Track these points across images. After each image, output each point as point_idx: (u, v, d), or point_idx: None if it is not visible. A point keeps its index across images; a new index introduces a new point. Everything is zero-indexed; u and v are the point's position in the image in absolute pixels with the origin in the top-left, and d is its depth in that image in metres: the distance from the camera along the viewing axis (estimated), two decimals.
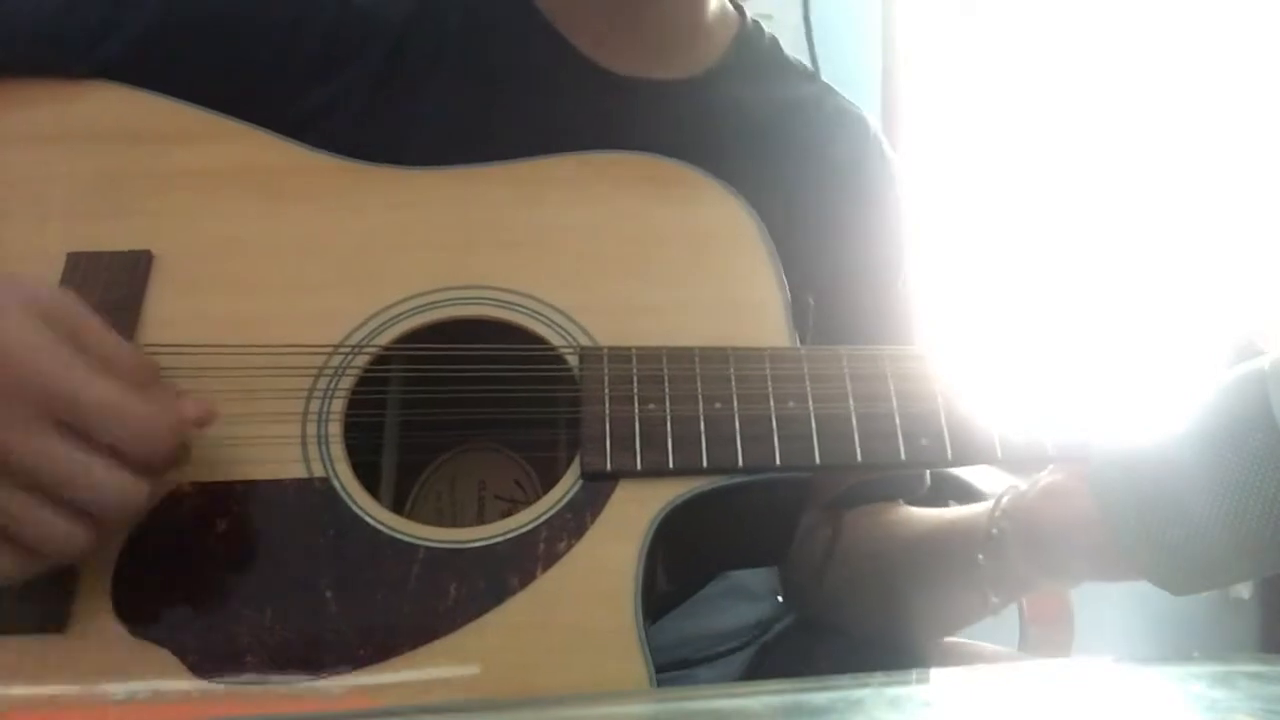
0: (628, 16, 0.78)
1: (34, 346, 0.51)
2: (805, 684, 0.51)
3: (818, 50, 0.89)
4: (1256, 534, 0.53)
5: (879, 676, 0.47)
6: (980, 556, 0.65)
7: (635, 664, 0.55)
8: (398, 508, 0.68)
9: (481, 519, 0.72)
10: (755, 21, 0.86)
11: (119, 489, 0.51)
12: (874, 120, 0.89)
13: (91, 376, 0.51)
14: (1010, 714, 0.44)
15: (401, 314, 0.64)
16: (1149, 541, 0.56)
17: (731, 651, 0.81)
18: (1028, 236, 1.46)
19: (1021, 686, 0.49)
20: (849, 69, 0.87)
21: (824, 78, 0.88)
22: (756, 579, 0.83)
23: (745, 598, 0.82)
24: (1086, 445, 0.60)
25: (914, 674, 0.60)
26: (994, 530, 0.64)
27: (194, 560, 0.57)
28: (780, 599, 0.87)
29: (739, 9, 0.85)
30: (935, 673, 0.65)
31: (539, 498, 0.72)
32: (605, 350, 0.62)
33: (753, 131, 0.81)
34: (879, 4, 1.70)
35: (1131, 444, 0.57)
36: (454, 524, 0.72)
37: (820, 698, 0.45)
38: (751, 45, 0.84)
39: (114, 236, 0.66)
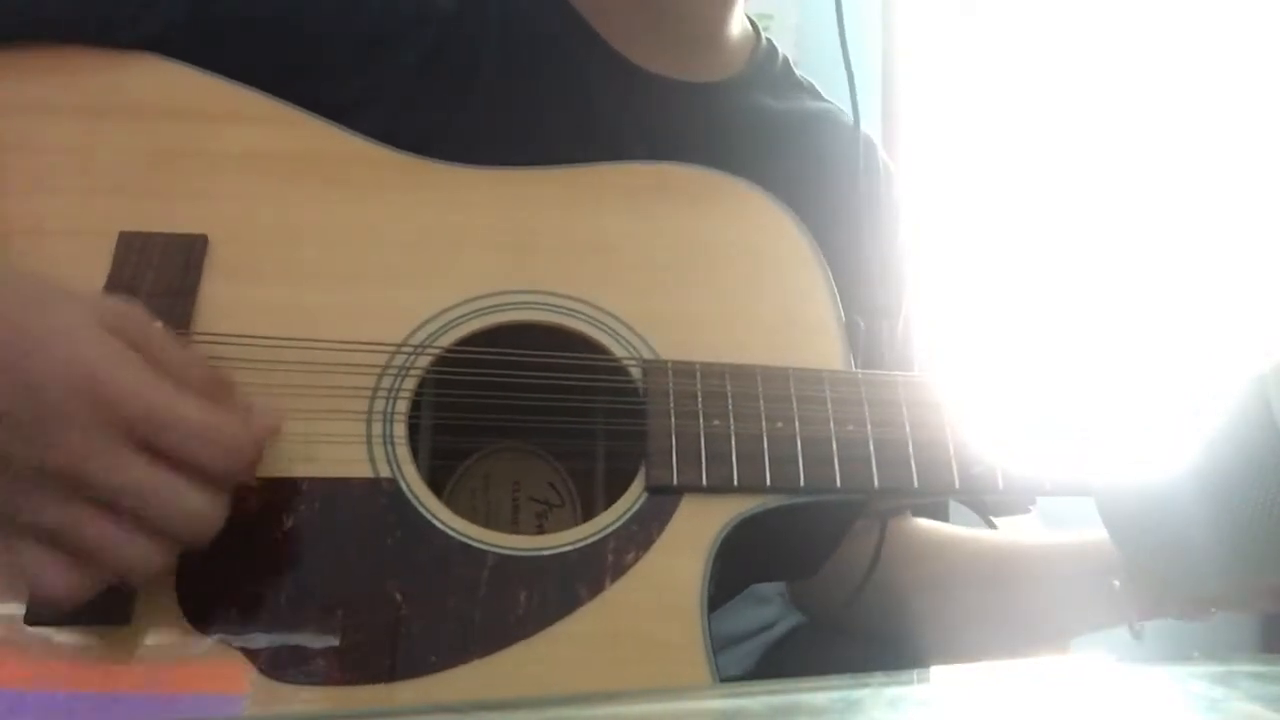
0: (656, 14, 0.79)
1: (114, 364, 0.49)
2: (805, 684, 0.52)
3: (816, 51, 0.90)
4: (1257, 535, 0.55)
5: (878, 676, 0.47)
6: (1116, 582, 0.67)
7: (703, 677, 0.56)
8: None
9: (516, 520, 0.72)
10: (769, 40, 0.88)
11: (201, 510, 0.50)
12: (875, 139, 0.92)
13: (174, 394, 0.50)
14: (1010, 714, 0.45)
15: (465, 315, 0.64)
16: (1154, 555, 0.58)
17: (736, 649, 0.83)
18: (1028, 238, 1.49)
19: (1021, 686, 0.50)
20: (814, 83, 0.89)
21: (823, 78, 0.90)
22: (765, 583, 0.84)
23: (754, 601, 0.83)
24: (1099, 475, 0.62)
25: (913, 674, 0.61)
26: None
27: (260, 557, 0.56)
28: (786, 600, 0.88)
29: (756, 31, 0.87)
30: (934, 672, 0.66)
31: (573, 502, 0.74)
32: (669, 365, 0.63)
33: (776, 139, 0.82)
34: (879, 4, 1.72)
35: (1133, 462, 0.59)
36: (487, 523, 0.72)
37: (820, 698, 0.45)
38: (767, 62, 0.87)
39: (167, 217, 0.64)
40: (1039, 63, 1.61)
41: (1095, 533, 0.70)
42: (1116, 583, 0.67)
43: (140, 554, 0.49)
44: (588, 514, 0.72)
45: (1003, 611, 0.75)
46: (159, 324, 0.53)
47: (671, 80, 0.80)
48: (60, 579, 0.49)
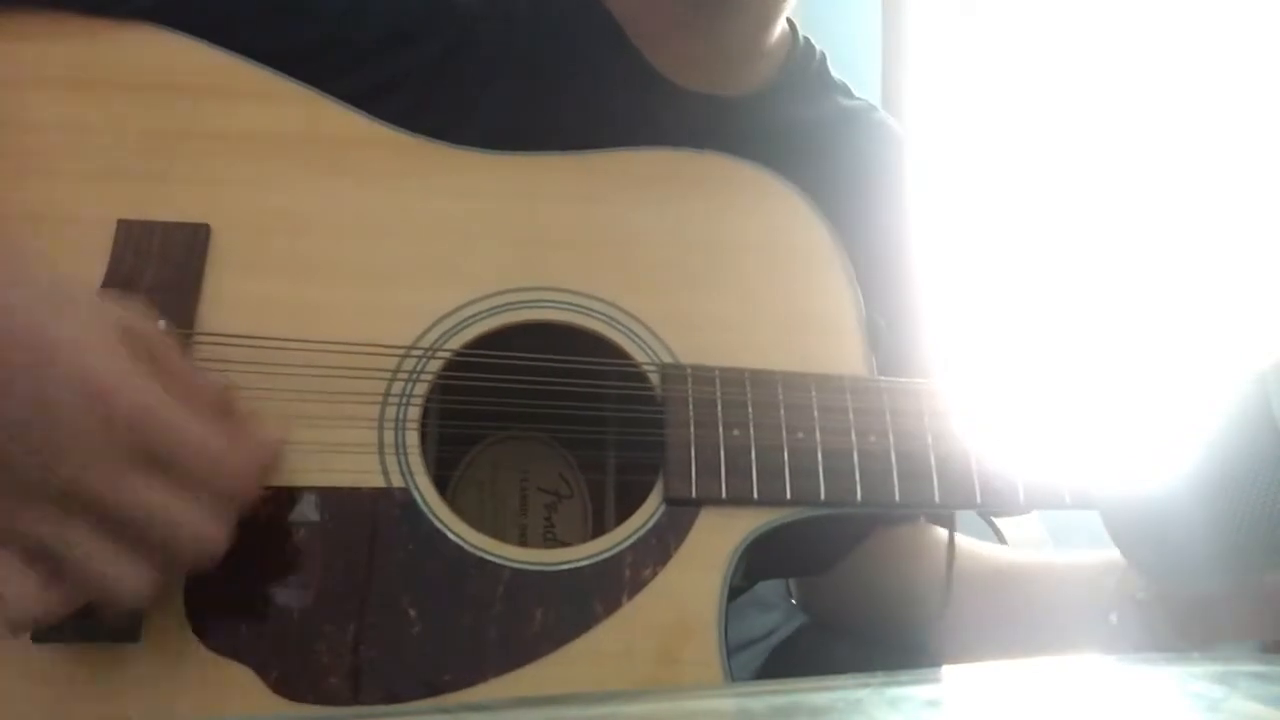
0: (701, 31, 0.76)
1: (126, 380, 0.48)
2: (805, 684, 0.52)
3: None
4: (1257, 533, 0.54)
5: (879, 676, 0.47)
6: (1113, 617, 0.66)
7: None
8: (438, 492, 0.67)
9: (524, 511, 0.71)
10: (806, 39, 0.84)
11: (206, 533, 0.49)
12: (908, 135, 0.89)
13: (183, 416, 0.48)
14: (1010, 713, 0.45)
15: (478, 314, 0.62)
16: (1154, 553, 0.58)
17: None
18: (1029, 238, 1.47)
19: (1022, 686, 0.50)
20: (849, 69, 0.87)
21: None
22: (770, 587, 0.84)
23: (760, 606, 0.83)
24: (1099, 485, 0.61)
25: (914, 674, 0.61)
26: (1140, 595, 0.65)
27: (270, 571, 0.55)
28: (794, 602, 0.88)
29: (791, 26, 0.84)
30: (935, 672, 0.66)
31: (583, 493, 0.73)
32: (689, 370, 0.61)
33: (805, 148, 0.79)
34: (879, 4, 1.67)
35: (1134, 461, 0.59)
36: (496, 514, 0.71)
37: (820, 698, 0.45)
38: (803, 63, 0.83)
39: (168, 204, 0.61)
40: (1040, 63, 1.57)
41: (1102, 558, 0.69)
42: (1114, 618, 0.66)
43: (132, 574, 0.48)
44: (597, 506, 0.71)
45: (1000, 624, 0.75)
46: (167, 334, 0.51)
47: (702, 95, 0.77)
48: (30, 596, 0.47)
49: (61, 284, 0.51)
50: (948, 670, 0.67)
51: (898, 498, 0.60)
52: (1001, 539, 0.98)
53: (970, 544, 0.78)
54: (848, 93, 0.85)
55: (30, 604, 0.47)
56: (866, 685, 0.46)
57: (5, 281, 0.48)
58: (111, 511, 0.47)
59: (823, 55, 0.84)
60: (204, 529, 0.49)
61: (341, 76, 0.66)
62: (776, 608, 0.84)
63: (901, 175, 0.84)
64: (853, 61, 0.85)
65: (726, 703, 0.51)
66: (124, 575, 0.48)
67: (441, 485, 0.69)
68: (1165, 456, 0.57)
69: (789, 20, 0.82)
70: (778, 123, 0.79)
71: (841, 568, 0.75)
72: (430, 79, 0.70)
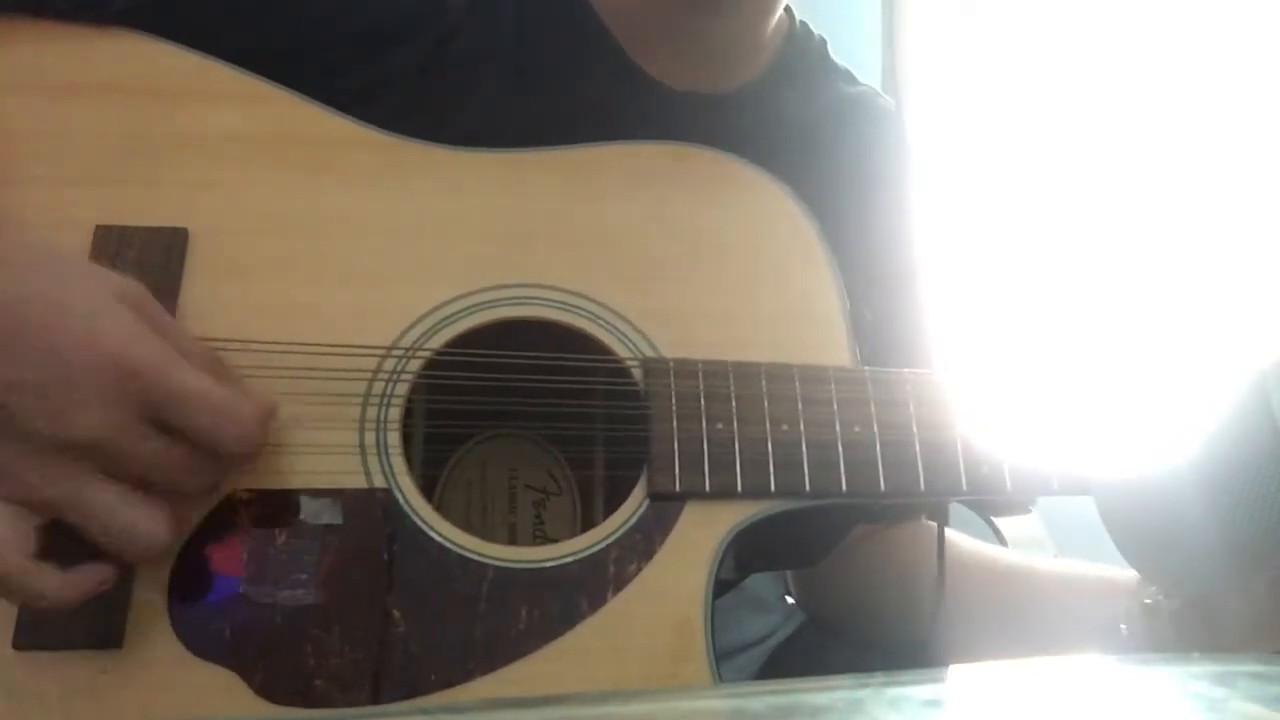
0: (692, 35, 0.75)
1: (137, 339, 0.50)
2: (805, 684, 0.51)
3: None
4: (1255, 531, 0.54)
5: (879, 676, 0.47)
6: (1123, 627, 0.65)
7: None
8: (426, 493, 0.67)
9: (513, 510, 0.71)
10: (803, 23, 0.83)
11: (211, 483, 0.52)
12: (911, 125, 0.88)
13: (193, 372, 0.50)
14: (1010, 713, 0.45)
15: (459, 312, 0.61)
16: (1151, 550, 0.58)
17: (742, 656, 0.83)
18: (1029, 232, 1.46)
19: (1022, 686, 0.50)
20: (850, 65, 0.86)
21: None
22: (768, 589, 0.84)
23: (758, 609, 0.83)
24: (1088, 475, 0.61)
25: (914, 674, 0.61)
26: (1147, 600, 0.64)
27: (254, 573, 0.55)
28: (791, 601, 0.88)
29: (788, 11, 0.82)
30: (935, 672, 0.66)
31: (572, 490, 0.72)
32: (671, 364, 0.61)
33: (801, 137, 0.78)
34: (879, 4, 1.67)
35: (1132, 458, 0.58)
36: (485, 513, 0.71)
37: (820, 698, 0.45)
38: (800, 48, 0.82)
39: (145, 208, 0.61)
40: (1040, 63, 1.56)
41: (1113, 571, 0.68)
42: (1124, 628, 0.66)
43: (148, 518, 0.50)
44: (585, 503, 0.71)
45: (1002, 624, 0.74)
46: (160, 305, 0.54)
47: (693, 95, 0.76)
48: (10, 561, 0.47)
49: (57, 250, 0.54)
50: (948, 670, 0.66)
51: (883, 487, 0.60)
52: (1001, 539, 0.98)
53: (973, 544, 0.78)
54: (850, 79, 0.83)
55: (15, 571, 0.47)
56: (866, 685, 0.45)
57: (9, 246, 0.50)
58: (128, 462, 0.49)
59: (822, 40, 0.83)
60: (209, 479, 0.52)
61: (326, 79, 0.66)
62: (773, 609, 0.83)
63: (905, 164, 0.83)
64: (853, 61, 0.84)
65: (725, 703, 0.50)
66: (141, 520, 0.49)
67: (431, 485, 0.70)
68: (1165, 452, 0.56)
69: (785, 7, 0.81)
70: (774, 115, 0.78)
71: (840, 564, 0.75)
72: (415, 80, 0.69)
